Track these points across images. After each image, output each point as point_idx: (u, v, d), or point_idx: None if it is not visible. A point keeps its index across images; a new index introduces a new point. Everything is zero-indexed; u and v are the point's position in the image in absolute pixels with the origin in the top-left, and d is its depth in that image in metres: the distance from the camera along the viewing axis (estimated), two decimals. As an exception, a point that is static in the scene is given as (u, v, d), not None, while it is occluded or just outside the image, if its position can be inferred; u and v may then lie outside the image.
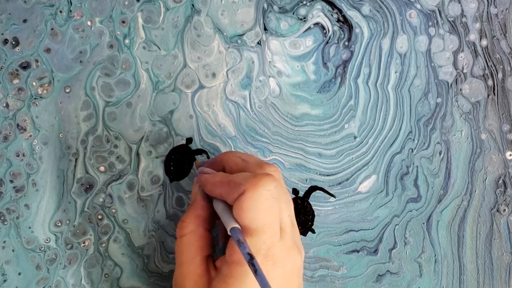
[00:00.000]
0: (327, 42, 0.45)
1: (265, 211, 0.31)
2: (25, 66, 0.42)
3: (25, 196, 0.41)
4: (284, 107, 0.45)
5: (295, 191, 0.45)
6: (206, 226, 0.36)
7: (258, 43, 0.45)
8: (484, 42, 0.46)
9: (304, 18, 0.45)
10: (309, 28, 0.45)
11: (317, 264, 0.45)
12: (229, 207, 0.33)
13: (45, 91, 0.42)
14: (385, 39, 0.46)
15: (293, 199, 0.44)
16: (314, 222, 0.45)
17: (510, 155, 0.46)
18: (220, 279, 0.32)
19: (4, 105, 0.41)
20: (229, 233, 0.31)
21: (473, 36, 0.46)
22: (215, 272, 0.34)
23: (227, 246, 0.33)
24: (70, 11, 0.42)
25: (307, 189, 0.45)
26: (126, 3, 0.43)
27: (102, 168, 0.42)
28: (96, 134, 0.42)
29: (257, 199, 0.30)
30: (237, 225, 0.31)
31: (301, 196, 0.45)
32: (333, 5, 0.45)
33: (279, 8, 0.45)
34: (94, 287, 0.42)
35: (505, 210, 0.46)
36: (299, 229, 0.44)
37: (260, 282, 0.28)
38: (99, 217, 0.42)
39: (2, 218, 0.41)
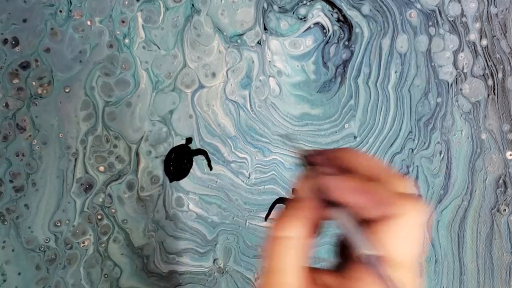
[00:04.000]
0: (327, 42, 0.45)
1: (417, 244, 0.27)
2: (25, 66, 0.42)
3: (25, 196, 0.41)
4: (284, 107, 0.45)
5: (295, 191, 0.45)
6: (312, 232, 0.30)
7: (258, 42, 0.44)
8: (484, 42, 0.46)
9: (304, 17, 0.45)
10: (309, 27, 0.45)
11: (318, 264, 0.45)
12: (359, 222, 0.28)
13: (44, 91, 0.42)
14: (385, 39, 0.46)
15: (293, 199, 0.44)
16: (314, 222, 0.45)
17: (510, 155, 0.46)
18: None
19: (4, 104, 0.41)
20: (362, 258, 0.26)
21: (473, 36, 0.46)
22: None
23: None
24: (70, 10, 0.42)
25: (307, 189, 0.45)
26: (126, 2, 0.43)
27: (101, 168, 0.42)
28: (96, 134, 0.42)
29: (412, 229, 0.26)
30: (376, 253, 0.26)
31: (301, 196, 0.44)
32: (333, 5, 0.45)
33: (279, 7, 0.45)
34: (94, 287, 0.42)
35: (505, 210, 0.46)
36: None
37: None
38: (99, 217, 0.42)
39: (2, 218, 0.41)
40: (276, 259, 0.29)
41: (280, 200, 0.44)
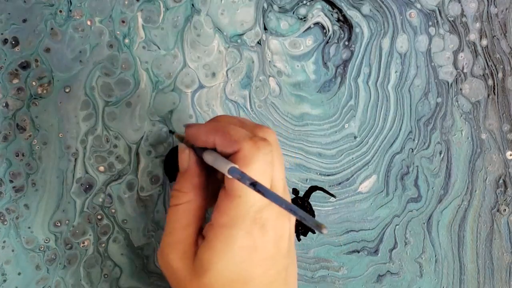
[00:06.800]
0: (327, 42, 0.45)
1: (257, 175, 0.30)
2: (25, 66, 0.41)
3: (25, 196, 0.41)
4: (284, 107, 0.45)
5: (295, 191, 0.45)
6: (203, 194, 0.35)
7: (258, 42, 0.45)
8: (484, 42, 0.46)
9: (304, 17, 0.45)
10: (309, 27, 0.45)
11: (318, 264, 0.45)
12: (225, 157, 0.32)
13: (44, 91, 0.42)
14: (385, 39, 0.46)
15: (293, 199, 0.44)
16: (314, 222, 0.44)
17: (510, 155, 0.46)
18: (205, 245, 0.31)
19: (4, 104, 0.41)
20: (227, 174, 0.30)
21: (473, 36, 0.46)
22: (202, 241, 0.33)
23: (214, 209, 0.32)
24: (70, 10, 0.42)
25: (307, 189, 0.45)
26: (126, 2, 0.43)
27: (101, 168, 0.42)
28: (96, 134, 0.42)
29: (250, 162, 0.30)
30: (234, 165, 0.30)
31: (301, 196, 0.45)
32: (333, 5, 0.45)
33: (279, 7, 0.45)
34: (94, 287, 0.42)
35: (505, 210, 0.46)
36: (300, 230, 0.44)
37: (274, 200, 0.27)
38: (99, 217, 0.42)
39: (2, 218, 0.41)
40: (172, 222, 0.34)
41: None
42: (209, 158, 0.33)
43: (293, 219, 0.34)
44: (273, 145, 0.32)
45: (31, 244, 0.41)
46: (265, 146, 0.31)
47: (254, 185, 0.29)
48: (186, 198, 0.34)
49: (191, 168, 0.34)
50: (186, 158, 0.35)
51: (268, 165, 0.31)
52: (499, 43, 0.46)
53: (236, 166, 0.30)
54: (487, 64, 0.46)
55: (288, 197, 0.35)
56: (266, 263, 0.32)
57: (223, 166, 0.30)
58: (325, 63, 0.45)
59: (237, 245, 0.31)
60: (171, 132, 0.43)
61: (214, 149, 0.33)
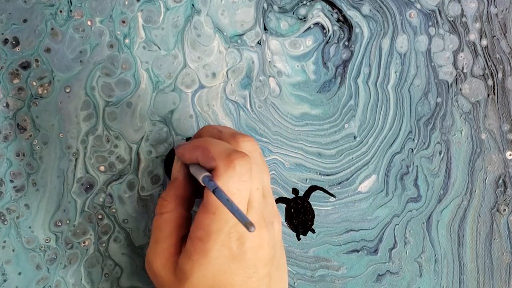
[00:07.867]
0: (327, 42, 0.45)
1: (232, 194, 0.31)
2: (25, 66, 0.42)
3: (25, 196, 0.41)
4: (284, 107, 0.45)
5: (295, 191, 0.45)
6: (185, 206, 0.36)
7: (258, 43, 0.45)
8: (484, 42, 0.46)
9: (304, 18, 0.45)
10: (309, 28, 0.45)
11: (317, 264, 0.45)
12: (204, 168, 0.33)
13: (45, 91, 0.42)
14: (385, 39, 0.46)
15: (293, 199, 0.44)
16: (314, 222, 0.45)
17: (510, 155, 0.46)
18: (185, 256, 0.33)
19: (4, 104, 0.41)
20: (201, 182, 0.31)
21: (473, 36, 0.46)
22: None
23: (192, 222, 0.33)
24: (70, 11, 0.42)
25: (307, 189, 0.45)
26: (126, 3, 0.43)
27: (102, 168, 0.42)
28: (96, 134, 0.42)
29: (225, 181, 0.30)
30: (207, 173, 0.31)
31: (301, 196, 0.45)
32: (333, 5, 0.45)
33: (279, 8, 0.45)
34: (94, 286, 0.42)
35: (505, 210, 0.46)
36: (299, 229, 0.44)
37: (226, 205, 0.29)
38: (99, 216, 0.42)
39: (2, 218, 0.41)
40: (157, 231, 0.35)
41: (280, 200, 0.44)
42: (192, 169, 0.34)
43: (275, 227, 0.35)
44: (251, 156, 0.32)
45: (32, 244, 0.42)
46: (242, 165, 0.31)
47: (214, 191, 0.30)
48: (169, 208, 0.35)
49: (179, 180, 0.36)
50: (177, 169, 0.36)
51: (243, 184, 0.31)
52: (499, 43, 0.46)
53: (209, 174, 0.31)
54: (487, 64, 0.46)
55: (267, 204, 0.35)
56: (246, 271, 0.33)
57: (200, 176, 0.32)
58: (325, 63, 0.45)
59: (213, 256, 0.32)
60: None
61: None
